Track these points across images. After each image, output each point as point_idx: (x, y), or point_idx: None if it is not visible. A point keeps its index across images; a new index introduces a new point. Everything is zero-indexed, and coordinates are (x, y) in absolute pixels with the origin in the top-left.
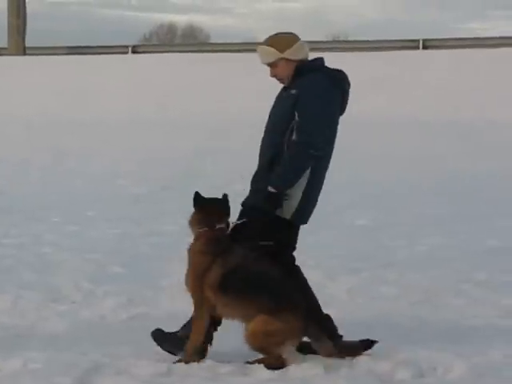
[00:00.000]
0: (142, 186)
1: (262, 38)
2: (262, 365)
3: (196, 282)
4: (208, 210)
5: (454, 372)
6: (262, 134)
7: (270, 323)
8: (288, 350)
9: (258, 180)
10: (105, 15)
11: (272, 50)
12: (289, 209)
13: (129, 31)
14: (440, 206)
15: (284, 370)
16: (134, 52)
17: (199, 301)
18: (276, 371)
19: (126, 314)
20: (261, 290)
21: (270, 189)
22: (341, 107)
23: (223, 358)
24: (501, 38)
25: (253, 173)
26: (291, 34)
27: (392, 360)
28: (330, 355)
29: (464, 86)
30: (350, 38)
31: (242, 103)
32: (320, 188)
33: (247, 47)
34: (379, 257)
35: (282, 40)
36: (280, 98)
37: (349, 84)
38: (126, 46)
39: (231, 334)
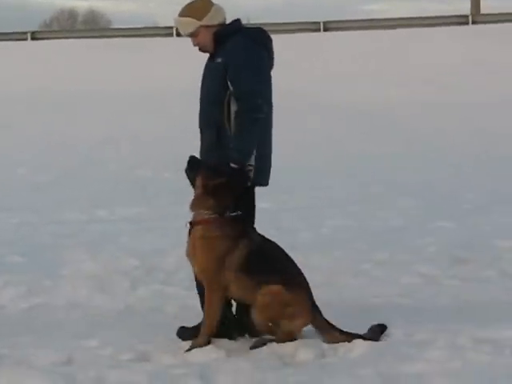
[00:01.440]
0: (42, 174)
1: (164, 22)
2: (163, 350)
3: (216, 265)
4: (217, 192)
5: (355, 351)
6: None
7: (284, 293)
8: (297, 328)
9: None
10: (2, 1)
11: (190, 19)
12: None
13: (28, 17)
14: (341, 188)
15: (185, 354)
16: (33, 38)
17: (216, 285)
18: (178, 356)
19: (26, 303)
20: (278, 266)
21: (233, 165)
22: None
23: (124, 345)
24: (398, 19)
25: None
26: None
27: (294, 341)
28: (336, 341)
29: (364, 68)
30: (251, 21)
31: (144, 88)
32: (270, 146)
33: (148, 32)
34: (281, 240)
35: (198, 7)
36: (208, 70)
37: (270, 39)
38: (25, 33)
39: (133, 319)
